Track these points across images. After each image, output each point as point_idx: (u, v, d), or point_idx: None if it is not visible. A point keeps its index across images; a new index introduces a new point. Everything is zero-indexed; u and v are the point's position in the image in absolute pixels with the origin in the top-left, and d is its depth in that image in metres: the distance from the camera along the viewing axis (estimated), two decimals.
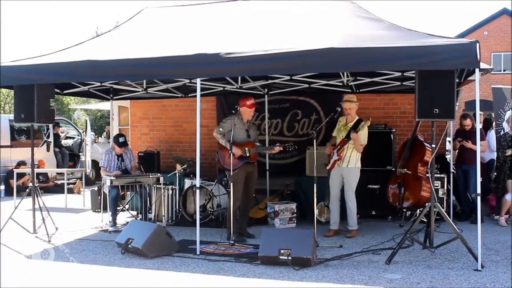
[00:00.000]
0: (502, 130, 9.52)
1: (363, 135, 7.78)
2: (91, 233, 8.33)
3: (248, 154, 7.68)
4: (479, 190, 6.15)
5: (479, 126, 6.74)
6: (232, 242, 7.26)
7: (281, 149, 7.85)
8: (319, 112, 10.62)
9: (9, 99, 30.61)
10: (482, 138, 9.37)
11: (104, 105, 19.06)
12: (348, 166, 7.89)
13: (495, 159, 9.72)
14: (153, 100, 11.24)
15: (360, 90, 9.64)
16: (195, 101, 7.02)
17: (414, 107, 6.24)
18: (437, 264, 6.28)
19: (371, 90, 9.63)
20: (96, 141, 17.30)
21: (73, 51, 7.85)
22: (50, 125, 14.61)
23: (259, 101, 9.83)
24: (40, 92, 7.62)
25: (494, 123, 9.96)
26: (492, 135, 9.86)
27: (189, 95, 10.49)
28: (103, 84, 9.40)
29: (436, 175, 8.02)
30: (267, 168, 10.22)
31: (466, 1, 74.75)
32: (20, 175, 13.13)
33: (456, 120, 8.81)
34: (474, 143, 8.53)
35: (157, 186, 9.09)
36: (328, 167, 8.06)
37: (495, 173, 9.35)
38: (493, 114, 10.07)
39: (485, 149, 9.53)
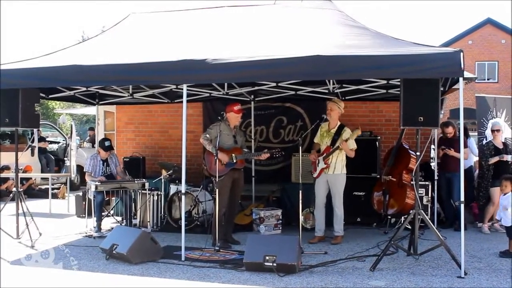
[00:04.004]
0: (484, 139, 9.62)
1: (351, 142, 7.84)
2: (76, 239, 8.27)
3: (235, 161, 7.68)
4: (462, 198, 6.21)
5: (462, 134, 6.80)
6: (217, 248, 7.24)
7: (269, 155, 7.84)
8: (305, 118, 10.65)
9: None
10: (464, 146, 9.46)
11: (90, 110, 18.94)
12: (334, 172, 7.92)
13: (473, 165, 9.88)
14: (139, 105, 11.22)
15: (346, 98, 9.67)
16: (181, 106, 7.02)
17: (399, 115, 6.29)
18: (421, 271, 6.32)
19: (357, 98, 9.68)
20: (81, 146, 17.19)
21: (59, 55, 7.82)
22: (35, 130, 14.51)
23: (245, 107, 9.84)
24: (25, 96, 7.58)
25: (477, 131, 10.07)
26: (471, 142, 9.98)
27: (175, 100, 10.48)
28: (89, 89, 9.36)
29: (420, 183, 8.07)
30: (253, 174, 10.22)
31: (450, 11, 75.53)
32: (4, 180, 13.00)
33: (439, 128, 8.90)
34: (457, 150, 8.62)
35: (142, 191, 9.07)
36: (315, 175, 8.06)
37: (478, 181, 9.42)
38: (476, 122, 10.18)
39: (467, 156, 9.62)
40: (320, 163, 7.97)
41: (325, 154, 7.92)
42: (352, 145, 7.86)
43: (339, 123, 8.04)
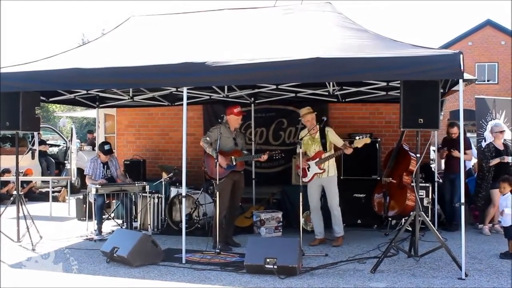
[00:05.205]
0: (483, 140, 9.62)
1: (337, 140, 7.89)
2: (76, 242, 8.27)
3: (235, 163, 7.68)
4: (463, 199, 6.22)
5: (462, 135, 6.81)
6: (218, 251, 7.25)
7: (267, 157, 7.84)
8: None
9: None
10: (469, 147, 9.46)
11: (90, 113, 18.92)
12: (329, 175, 7.92)
13: (471, 167, 9.87)
14: (139, 108, 11.23)
15: (346, 100, 9.70)
16: (181, 109, 7.03)
17: (399, 117, 6.30)
18: (422, 272, 6.33)
19: (357, 100, 9.69)
20: (82, 149, 17.20)
21: (59, 58, 7.84)
22: (35, 133, 14.52)
23: (245, 109, 9.84)
24: (25, 99, 7.59)
25: (476, 133, 10.09)
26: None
27: (176, 103, 10.48)
28: (89, 92, 9.36)
29: (420, 184, 8.08)
30: (253, 176, 10.22)
31: (450, 12, 75.60)
32: (4, 183, 13.00)
33: (441, 129, 8.89)
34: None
35: (143, 194, 9.08)
36: (306, 180, 7.98)
37: (478, 182, 9.40)
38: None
39: (470, 157, 9.65)
40: (311, 168, 7.92)
41: (318, 159, 7.87)
42: (341, 141, 7.89)
43: (317, 126, 7.97)
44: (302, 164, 7.90)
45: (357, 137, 7.60)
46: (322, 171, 7.88)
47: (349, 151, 7.66)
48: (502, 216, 7.25)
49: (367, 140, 7.54)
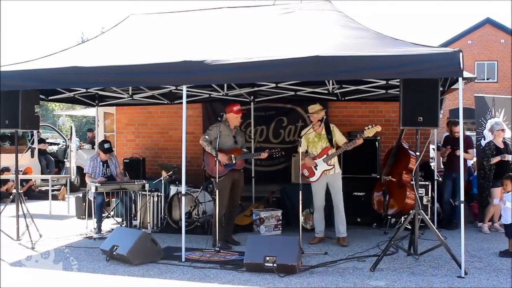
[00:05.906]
0: (482, 138, 9.61)
1: (341, 138, 7.91)
2: (76, 240, 8.28)
3: (234, 161, 7.68)
4: (462, 198, 6.22)
5: (462, 134, 6.80)
6: (218, 249, 7.25)
7: (267, 155, 7.84)
8: (305, 119, 10.64)
9: None
10: (471, 146, 9.45)
11: (90, 111, 18.95)
12: (335, 172, 7.92)
13: (471, 166, 9.82)
14: (139, 106, 11.22)
15: (345, 98, 9.69)
16: (181, 108, 7.03)
17: (399, 115, 6.30)
18: (421, 271, 6.33)
19: (356, 98, 9.67)
20: (81, 147, 17.20)
21: (58, 57, 7.83)
22: (35, 132, 14.52)
23: (245, 108, 9.84)
24: (25, 98, 7.59)
25: (475, 131, 10.08)
26: None
27: (175, 102, 10.48)
28: (88, 90, 9.36)
29: (420, 183, 8.07)
30: (253, 175, 10.21)
31: (450, 10, 75.55)
32: (4, 182, 13.00)
33: (440, 128, 8.89)
34: (465, 150, 8.55)
35: (143, 193, 9.08)
36: (314, 179, 7.93)
37: (480, 181, 9.39)
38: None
39: (472, 156, 9.62)
40: (319, 165, 7.89)
41: (325, 156, 7.85)
42: (344, 138, 7.94)
43: (320, 123, 7.93)
44: (310, 164, 7.89)
45: (366, 128, 7.53)
46: (331, 167, 7.86)
47: (360, 141, 7.62)
48: (504, 205, 7.21)
49: (378, 128, 7.47)
